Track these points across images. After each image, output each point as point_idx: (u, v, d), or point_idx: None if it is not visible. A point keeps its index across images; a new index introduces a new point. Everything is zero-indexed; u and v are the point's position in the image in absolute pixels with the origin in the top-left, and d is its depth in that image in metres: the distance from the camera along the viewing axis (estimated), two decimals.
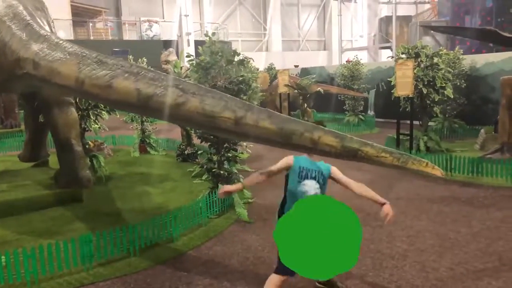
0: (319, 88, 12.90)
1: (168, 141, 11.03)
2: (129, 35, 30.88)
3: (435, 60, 8.89)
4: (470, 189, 6.47)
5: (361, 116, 14.26)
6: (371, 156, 2.67)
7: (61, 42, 3.77)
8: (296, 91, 12.87)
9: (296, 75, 18.17)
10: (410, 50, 8.91)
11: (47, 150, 8.63)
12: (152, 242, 4.54)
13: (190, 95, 3.05)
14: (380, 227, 4.95)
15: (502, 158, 7.51)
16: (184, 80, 3.21)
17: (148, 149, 10.53)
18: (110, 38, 28.41)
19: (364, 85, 14.45)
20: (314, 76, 13.68)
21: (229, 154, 5.85)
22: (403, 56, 8.87)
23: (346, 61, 15.48)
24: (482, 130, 9.60)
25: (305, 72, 18.65)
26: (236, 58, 5.68)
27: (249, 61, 5.87)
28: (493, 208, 5.50)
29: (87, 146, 7.83)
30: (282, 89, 13.10)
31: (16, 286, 3.73)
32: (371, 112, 15.48)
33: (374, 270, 3.87)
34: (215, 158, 5.70)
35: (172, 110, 3.03)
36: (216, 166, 5.71)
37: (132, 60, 10.95)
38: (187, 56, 5.82)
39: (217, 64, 5.60)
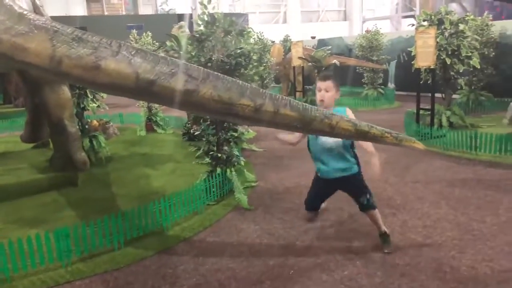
0: (334, 61, 12.18)
1: (177, 119, 10.62)
2: (144, 9, 30.30)
3: (461, 27, 8.09)
4: (497, 170, 5.85)
5: (380, 90, 13.51)
6: (377, 137, 3.01)
7: (25, 13, 3.31)
8: (310, 63, 12.18)
9: (313, 47, 17.36)
10: (433, 17, 8.13)
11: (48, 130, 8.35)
12: (140, 233, 4.16)
13: (200, 81, 2.71)
14: (393, 215, 4.45)
15: None
16: (189, 64, 2.85)
17: (155, 127, 10.17)
18: (125, 13, 27.92)
19: (384, 56, 13.62)
20: (329, 47, 12.89)
21: (231, 135, 5.37)
22: (425, 23, 8.10)
23: (365, 31, 14.61)
24: (511, 104, 8.81)
25: (322, 43, 17.80)
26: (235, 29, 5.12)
27: (249, 32, 5.30)
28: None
29: (86, 126, 7.49)
30: (296, 62, 12.44)
31: None
32: (391, 85, 14.68)
33: (383, 270, 3.40)
34: (213, 139, 5.24)
35: (182, 97, 2.74)
36: (215, 148, 5.26)
37: (149, 36, 10.49)
38: (179, 27, 5.29)
39: (213, 35, 5.07)
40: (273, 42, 17.43)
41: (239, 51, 4.99)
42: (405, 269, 3.38)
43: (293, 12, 35.34)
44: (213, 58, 4.95)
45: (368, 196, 3.79)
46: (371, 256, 3.61)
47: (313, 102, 12.31)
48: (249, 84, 2.81)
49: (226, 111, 2.77)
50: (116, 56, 2.80)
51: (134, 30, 10.77)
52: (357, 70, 14.16)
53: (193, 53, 5.07)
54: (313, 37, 19.84)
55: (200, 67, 2.82)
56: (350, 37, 17.04)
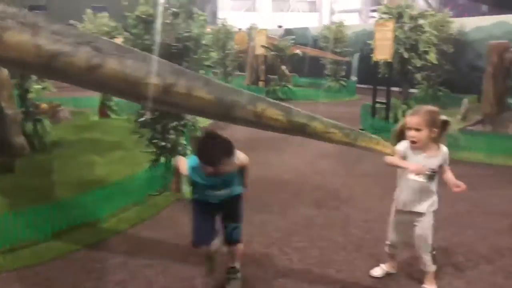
0: (297, 51, 12.10)
1: (132, 104, 10.22)
2: None
3: (420, 22, 8.14)
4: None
5: (342, 82, 13.55)
6: (319, 132, 2.42)
7: None
8: (273, 53, 12.03)
9: (279, 36, 17.22)
10: (393, 10, 8.13)
11: None
12: (70, 224, 3.91)
13: (108, 55, 2.37)
14: (337, 209, 4.38)
15: (484, 130, 6.93)
16: (99, 36, 2.50)
17: (109, 112, 9.78)
18: None
19: (347, 49, 13.64)
20: (293, 37, 12.79)
21: (178, 122, 5.14)
22: (385, 16, 8.09)
23: (330, 23, 14.57)
24: (465, 100, 8.97)
25: (289, 32, 17.66)
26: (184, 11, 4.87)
27: (201, 15, 5.06)
28: (467, 188, 4.94)
29: (31, 109, 7.07)
30: (259, 51, 12.27)
31: None
32: (353, 78, 14.75)
33: (320, 265, 3.31)
34: (158, 126, 5.00)
35: (84, 73, 2.36)
36: (159, 136, 5.02)
37: (105, 17, 9.99)
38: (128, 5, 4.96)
39: (161, 17, 4.81)
40: (239, 29, 17.18)
41: (187, 34, 4.75)
42: (342, 265, 3.30)
43: (264, 1, 35.07)
44: (160, 42, 4.70)
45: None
46: (307, 250, 3.51)
47: (275, 92, 12.22)
48: (166, 61, 2.44)
49: (131, 92, 2.41)
50: (21, 27, 2.50)
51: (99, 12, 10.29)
52: (321, 62, 14.14)
53: (138, 35, 4.79)
54: (279, 27, 19.69)
55: (109, 40, 2.50)
56: (316, 28, 16.99)
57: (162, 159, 4.95)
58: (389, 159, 2.69)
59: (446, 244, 3.61)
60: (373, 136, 2.55)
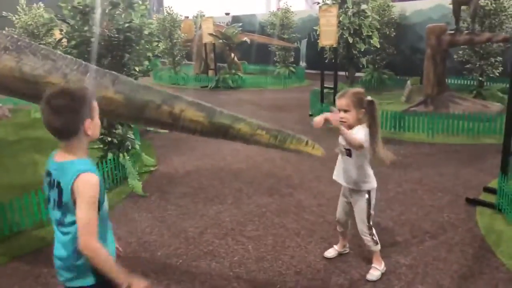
0: (245, 38, 12.04)
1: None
2: None
3: (363, 6, 8.33)
4: (390, 146, 6.10)
5: (292, 68, 13.66)
6: (244, 135, 2.23)
7: None
8: (221, 41, 11.91)
9: (227, 23, 17.05)
10: None
11: None
12: (14, 228, 3.71)
13: (2, 50, 2.17)
14: (290, 195, 4.44)
15: (426, 111, 7.25)
16: None
17: None
18: None
19: (294, 35, 13.75)
20: (241, 24, 12.71)
21: None
22: (329, 2, 8.21)
23: (277, 9, 14.61)
24: (408, 82, 9.35)
25: (236, 20, 17.53)
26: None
27: (141, 4, 4.89)
28: (411, 168, 5.18)
29: None
30: (207, 39, 12.10)
31: None
32: (302, 64, 14.92)
33: (274, 252, 3.35)
34: (103, 121, 4.82)
35: None
36: (106, 131, 4.85)
37: (41, 7, 9.44)
38: None
39: (100, 7, 4.61)
40: (186, 17, 16.84)
41: (127, 25, 4.59)
42: (295, 251, 3.36)
43: None
44: (99, 33, 4.51)
45: None
46: (261, 238, 3.55)
47: (225, 80, 12.14)
48: (68, 56, 2.26)
49: (30, 93, 2.21)
50: None
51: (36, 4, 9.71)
52: (270, 49, 14.17)
53: (76, 27, 4.57)
54: (227, 14, 19.49)
55: (2, 32, 2.31)
56: (263, 14, 16.98)
57: (110, 155, 4.79)
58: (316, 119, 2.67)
59: (393, 223, 3.76)
60: (303, 137, 2.43)
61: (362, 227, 2.93)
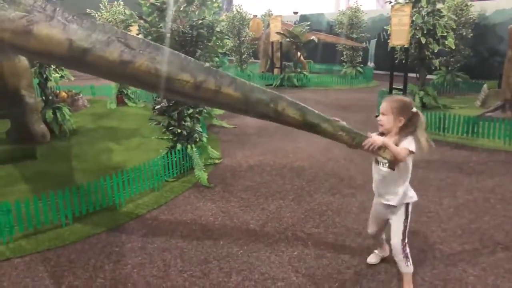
0: (313, 37, 11.98)
1: (148, 92, 10.33)
2: None
3: (438, 6, 7.97)
4: (462, 151, 5.84)
5: (359, 68, 13.38)
6: (328, 133, 2.66)
7: None
8: (288, 39, 11.94)
9: (295, 22, 17.06)
10: None
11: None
12: (90, 209, 4.02)
13: (138, 52, 2.56)
14: (352, 196, 4.39)
15: (503, 117, 6.80)
16: (127, 33, 2.69)
17: (126, 100, 9.90)
18: None
19: (363, 34, 13.45)
20: (308, 23, 12.66)
21: (194, 110, 5.19)
22: (401, 1, 7.95)
23: (346, 8, 14.37)
24: (485, 85, 8.81)
25: (304, 19, 17.50)
26: None
27: (214, 2, 5.06)
28: (484, 175, 4.90)
29: (50, 97, 7.21)
30: (274, 37, 12.20)
31: None
32: (371, 64, 14.58)
33: (334, 250, 3.34)
34: (174, 114, 5.06)
35: (117, 68, 2.56)
36: (176, 123, 5.08)
37: (120, 4, 10.06)
38: None
39: (175, 4, 4.83)
40: (255, 16, 17.07)
41: (200, 21, 4.77)
42: (355, 253, 3.33)
43: None
44: (173, 28, 4.73)
45: None
46: (322, 237, 3.55)
47: (290, 79, 12.17)
48: (192, 59, 2.64)
49: (163, 86, 2.60)
50: (50, 21, 2.62)
51: None
52: (337, 48, 13.98)
53: (153, 23, 4.83)
54: (295, 13, 19.48)
55: (139, 37, 2.67)
56: (331, 13, 16.77)
57: (178, 146, 5.02)
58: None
59: (461, 231, 3.59)
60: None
61: (396, 244, 2.74)
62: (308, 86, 12.19)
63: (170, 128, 5.05)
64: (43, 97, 7.21)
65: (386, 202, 2.77)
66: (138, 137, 6.92)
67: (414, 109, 2.66)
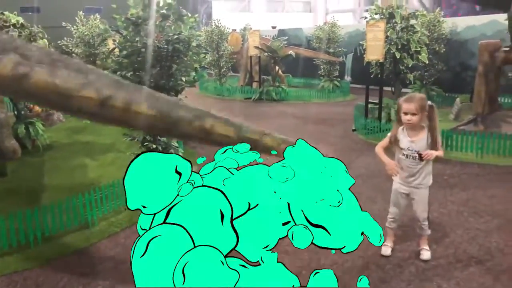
0: (290, 52, 12.09)
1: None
2: None
3: (411, 22, 8.16)
4: (436, 164, 5.76)
5: (336, 82, 13.55)
6: (270, 148, 2.26)
7: None
8: (266, 54, 12.03)
9: (273, 37, 17.22)
10: (384, 10, 8.15)
11: None
12: (62, 228, 3.89)
13: (36, 64, 2.25)
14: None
15: (475, 130, 6.95)
16: (27, 42, 2.41)
17: None
18: None
19: (340, 49, 13.66)
20: (286, 38, 12.80)
21: None
22: (376, 16, 8.11)
23: (324, 23, 14.60)
24: (458, 99, 9.03)
25: (282, 34, 17.66)
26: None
27: (190, 17, 5.05)
28: (457, 188, 4.98)
29: (22, 112, 7.05)
30: (252, 52, 12.27)
31: None
32: (347, 78, 14.78)
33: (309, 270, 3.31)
34: None
35: (10, 83, 2.23)
36: (151, 138, 5.01)
37: (97, 18, 9.99)
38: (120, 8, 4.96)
39: (151, 19, 4.80)
40: (234, 30, 17.16)
41: (176, 36, 4.75)
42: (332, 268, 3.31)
43: (258, 1, 35.06)
44: (149, 43, 4.69)
45: None
46: (298, 254, 3.52)
47: (269, 93, 12.23)
48: (104, 72, 2.36)
49: (63, 104, 2.29)
50: None
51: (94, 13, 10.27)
52: (314, 62, 14.14)
53: (128, 37, 4.79)
54: (273, 27, 19.68)
55: (40, 46, 2.42)
56: (309, 28, 17.01)
57: None
58: (377, 149, 3.37)
59: (435, 245, 3.62)
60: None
61: (424, 215, 3.32)
62: (287, 100, 12.27)
63: (145, 143, 4.97)
64: (15, 112, 7.05)
65: (412, 185, 3.26)
66: (114, 152, 6.80)
67: (429, 102, 3.10)
